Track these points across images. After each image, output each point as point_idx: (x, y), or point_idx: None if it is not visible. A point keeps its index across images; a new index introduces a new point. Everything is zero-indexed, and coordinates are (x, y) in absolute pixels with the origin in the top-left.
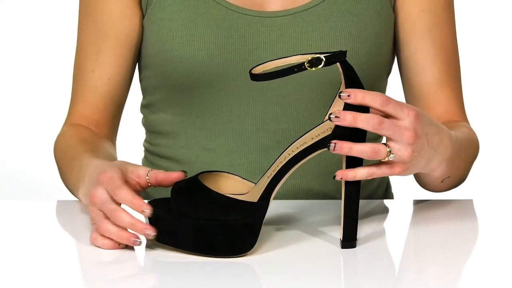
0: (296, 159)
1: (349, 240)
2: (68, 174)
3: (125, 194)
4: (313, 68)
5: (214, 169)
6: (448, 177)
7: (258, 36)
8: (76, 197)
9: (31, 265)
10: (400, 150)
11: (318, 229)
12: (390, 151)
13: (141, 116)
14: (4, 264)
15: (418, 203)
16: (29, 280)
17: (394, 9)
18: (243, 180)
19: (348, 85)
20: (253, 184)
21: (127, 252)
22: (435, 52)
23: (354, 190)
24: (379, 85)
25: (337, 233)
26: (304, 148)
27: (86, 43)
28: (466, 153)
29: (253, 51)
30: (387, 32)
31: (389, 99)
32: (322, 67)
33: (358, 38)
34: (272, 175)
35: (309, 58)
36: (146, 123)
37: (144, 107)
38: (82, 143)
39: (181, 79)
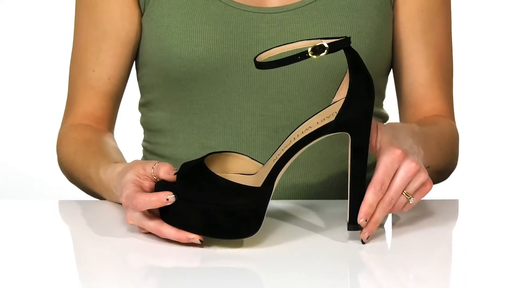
0: (299, 145)
1: (355, 223)
2: (87, 183)
3: (141, 200)
4: (317, 56)
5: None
6: (428, 166)
7: (258, 32)
8: (110, 200)
9: (32, 265)
10: (417, 182)
11: (318, 229)
12: (408, 196)
13: (140, 115)
14: (5, 264)
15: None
16: (30, 280)
17: (393, 7)
18: (252, 160)
19: (353, 73)
20: (261, 165)
21: (128, 252)
22: (428, 54)
23: (360, 171)
24: (379, 82)
25: (337, 233)
26: (308, 134)
27: (86, 42)
28: (436, 140)
29: (252, 47)
30: (387, 28)
31: (377, 182)
32: (326, 54)
33: (358, 34)
34: (277, 159)
35: (313, 46)
36: (144, 121)
37: (142, 105)
38: (88, 146)
39: (180, 76)
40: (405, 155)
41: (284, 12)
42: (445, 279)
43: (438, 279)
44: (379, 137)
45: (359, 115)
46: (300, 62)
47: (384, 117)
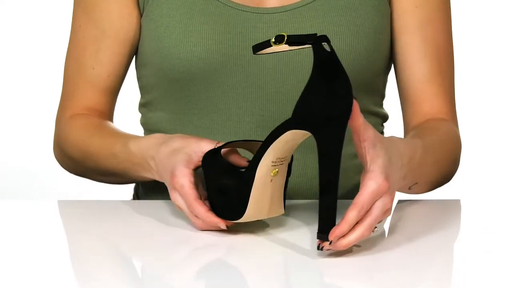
0: (273, 136)
1: (325, 232)
2: (109, 163)
3: (198, 211)
4: (278, 44)
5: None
6: (416, 183)
7: (256, 32)
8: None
9: (32, 265)
10: (385, 215)
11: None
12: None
13: (140, 116)
14: (4, 264)
15: (412, 203)
16: (30, 280)
17: (389, 4)
18: None
19: (313, 69)
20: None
21: (128, 252)
22: (425, 48)
23: (328, 181)
24: (377, 81)
25: None
26: (280, 125)
27: (84, 40)
28: (434, 156)
29: (250, 48)
30: (385, 28)
31: (362, 206)
32: (284, 44)
33: (356, 33)
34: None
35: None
36: (144, 122)
37: (142, 106)
38: (102, 129)
39: (179, 76)
40: (388, 188)
41: (282, 13)
42: (447, 280)
43: (440, 280)
44: (375, 156)
45: (315, 116)
46: (298, 63)
47: (384, 117)
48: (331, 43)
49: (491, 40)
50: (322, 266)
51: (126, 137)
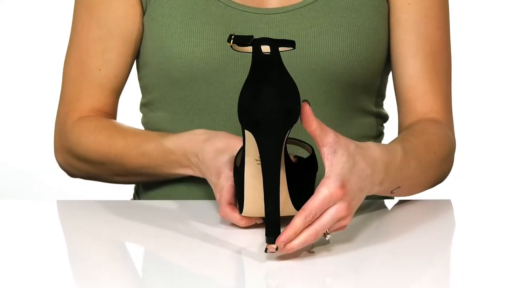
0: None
1: (269, 235)
2: (136, 163)
3: (227, 215)
4: (229, 43)
5: None
6: (399, 187)
7: (257, 33)
8: (156, 177)
9: (31, 265)
10: (339, 223)
11: None
12: (326, 233)
13: (141, 116)
14: (4, 264)
15: (411, 202)
16: (29, 280)
17: (387, 1)
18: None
19: (250, 75)
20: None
21: (127, 252)
22: (418, 44)
23: (267, 186)
24: (378, 81)
25: (335, 234)
26: None
27: (89, 41)
28: (418, 159)
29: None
30: (385, 28)
31: (310, 212)
32: (232, 43)
33: (357, 34)
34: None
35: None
36: (145, 122)
37: (143, 105)
38: (120, 129)
39: (180, 76)
40: (344, 195)
41: (283, 13)
42: (444, 280)
43: (432, 279)
44: (334, 162)
45: (248, 118)
46: (297, 63)
47: (384, 117)
48: (331, 44)
49: (484, 41)
50: (314, 265)
51: (157, 135)
